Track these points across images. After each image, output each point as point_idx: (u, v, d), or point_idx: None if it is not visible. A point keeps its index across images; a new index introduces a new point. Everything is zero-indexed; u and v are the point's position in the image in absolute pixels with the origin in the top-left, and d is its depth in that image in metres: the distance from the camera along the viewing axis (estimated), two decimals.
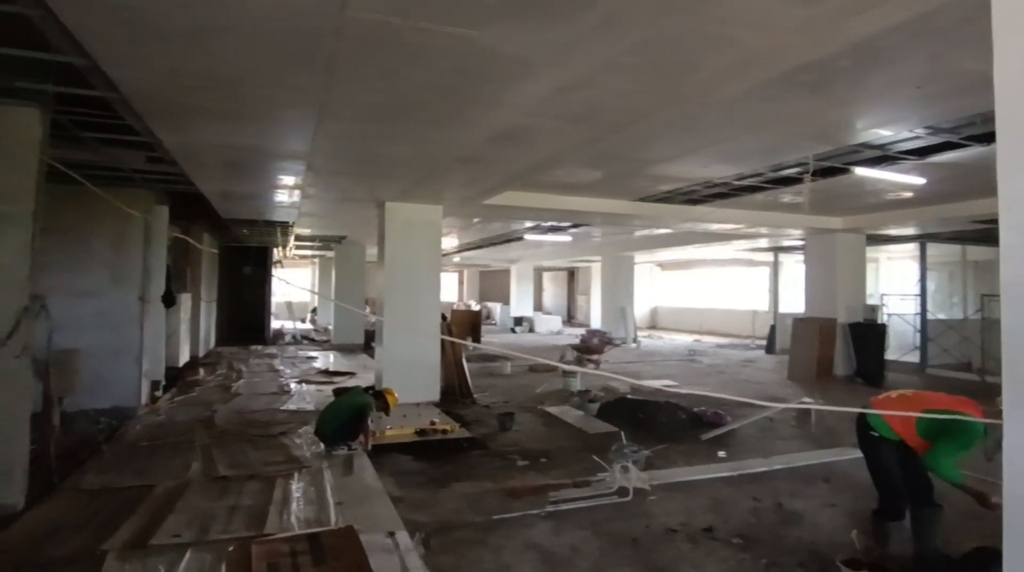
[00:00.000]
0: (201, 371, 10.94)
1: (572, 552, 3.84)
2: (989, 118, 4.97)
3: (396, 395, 6.34)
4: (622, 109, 4.40)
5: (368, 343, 15.13)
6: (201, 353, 13.00)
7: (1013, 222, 1.61)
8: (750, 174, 7.63)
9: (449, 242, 17.41)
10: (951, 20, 3.15)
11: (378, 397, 6.21)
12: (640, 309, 23.45)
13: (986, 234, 10.91)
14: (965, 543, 3.65)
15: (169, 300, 8.99)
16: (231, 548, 3.64)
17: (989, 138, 5.55)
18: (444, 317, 10.15)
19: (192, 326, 12.01)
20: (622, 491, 4.78)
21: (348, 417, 5.83)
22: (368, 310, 16.51)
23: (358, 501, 4.58)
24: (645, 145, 6.17)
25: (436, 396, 8.60)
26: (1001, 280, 1.63)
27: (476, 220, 12.65)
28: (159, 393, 8.59)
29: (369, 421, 5.93)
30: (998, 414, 3.20)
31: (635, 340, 18.66)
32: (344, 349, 15.22)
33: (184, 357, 11.22)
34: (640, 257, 21.00)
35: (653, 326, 25.22)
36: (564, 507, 4.54)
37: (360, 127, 5.10)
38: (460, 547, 3.89)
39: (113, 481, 4.90)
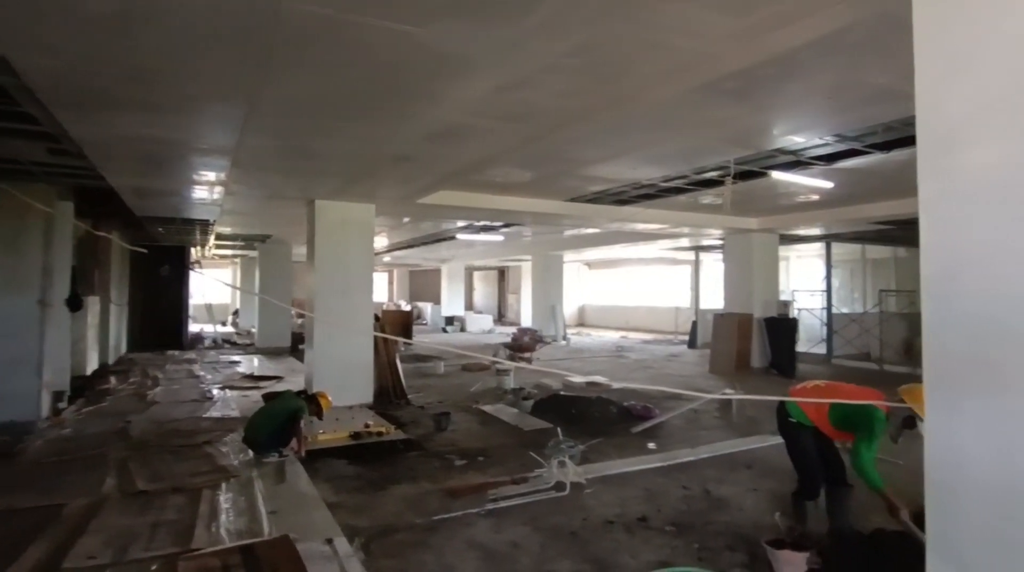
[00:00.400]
0: (112, 379, 10.21)
1: (513, 548, 3.88)
2: (889, 127, 5.44)
3: (329, 398, 6.17)
4: (559, 110, 4.48)
5: (296, 346, 14.61)
6: (111, 360, 12.15)
7: (932, 222, 1.77)
8: (675, 176, 7.93)
9: (379, 241, 17.09)
10: (860, 37, 3.41)
11: (310, 401, 6.02)
12: (569, 307, 23.88)
13: (883, 234, 11.86)
14: (872, 518, 3.98)
15: (74, 304, 8.34)
16: (155, 567, 3.44)
17: (888, 146, 6.05)
18: (377, 317, 9.97)
19: (101, 331, 11.20)
20: (559, 486, 4.87)
21: (280, 422, 5.63)
22: (294, 312, 15.91)
23: (293, 509, 4.43)
24: (578, 146, 6.29)
25: (369, 398, 8.44)
26: (922, 275, 1.78)
27: (406, 219, 12.48)
28: (63, 404, 7.94)
29: (302, 424, 5.74)
30: (899, 401, 3.52)
31: (565, 337, 19.00)
32: (269, 352, 14.63)
33: (92, 365, 10.45)
34: (569, 256, 21.40)
35: (582, 324, 25.76)
36: (504, 504, 4.57)
37: (294, 122, 4.93)
38: (402, 550, 3.84)
39: (11, 502, 4.50)
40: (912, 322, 12.09)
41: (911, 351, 11.78)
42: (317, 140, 5.48)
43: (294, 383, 9.30)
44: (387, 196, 8.28)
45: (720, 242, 14.02)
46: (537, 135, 5.16)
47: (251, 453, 5.62)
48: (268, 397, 6.85)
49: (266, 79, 3.87)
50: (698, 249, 17.27)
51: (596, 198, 9.59)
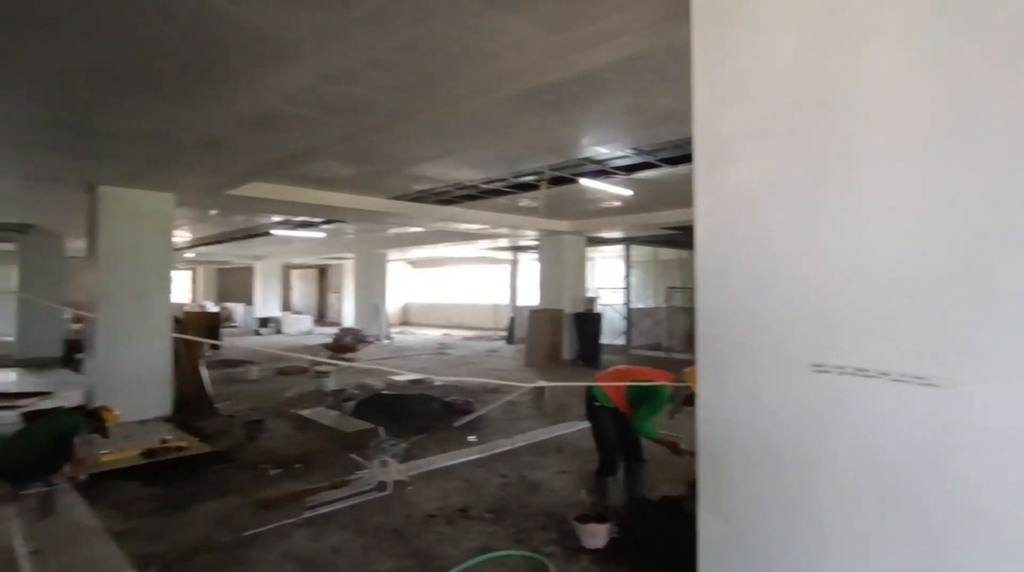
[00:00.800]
0: None
1: (334, 554, 3.77)
2: (676, 145, 6.25)
3: (115, 412, 5.40)
4: (385, 106, 4.43)
5: (71, 355, 12.47)
6: None
7: (705, 227, 2.11)
8: (496, 179, 8.28)
9: (181, 235, 15.35)
10: (652, 64, 3.90)
11: (91, 417, 5.21)
12: (393, 306, 23.60)
13: (671, 239, 13.54)
14: (661, 487, 4.56)
15: None
16: None
17: (676, 161, 6.94)
18: (177, 320, 8.94)
19: None
20: (382, 485, 4.84)
21: (46, 445, 4.77)
22: (69, 314, 13.57)
23: (64, 546, 3.82)
24: (404, 144, 6.28)
25: (168, 410, 7.56)
26: (696, 270, 2.12)
27: (213, 212, 11.37)
28: None
29: (78, 445, 4.94)
30: (682, 382, 4.10)
31: (388, 337, 18.75)
32: (33, 364, 12.29)
33: None
34: (393, 254, 21.13)
35: (405, 322, 25.60)
36: (323, 510, 4.42)
37: (72, 93, 4.22)
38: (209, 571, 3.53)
39: None
40: (694, 315, 13.95)
41: (692, 340, 13.60)
42: (104, 116, 4.76)
43: (69, 398, 7.98)
44: (191, 185, 7.46)
45: (536, 243, 14.88)
46: (362, 130, 5.04)
47: (6, 485, 4.71)
48: (30, 416, 5.80)
49: (25, 37, 3.29)
50: (516, 249, 18.12)
51: (420, 197, 9.63)
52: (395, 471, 5.00)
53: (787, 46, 1.92)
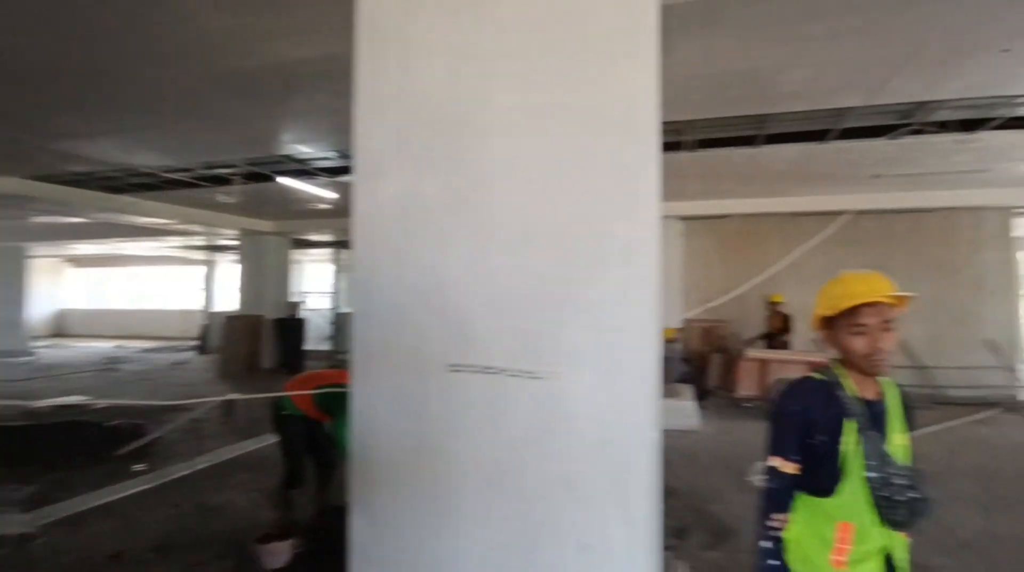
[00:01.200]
0: None
1: None
2: None
3: None
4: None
5: None
6: None
7: (361, 234, 2.19)
8: (180, 168, 7.30)
9: None
10: (348, 68, 3.87)
11: None
12: (40, 313, 19.00)
13: None
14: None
15: None
16: None
17: None
18: None
19: None
20: None
21: None
22: None
23: None
24: (48, 113, 5.07)
25: None
26: (353, 278, 2.16)
27: None
28: None
29: None
30: None
31: (30, 352, 15.03)
32: None
33: None
34: (41, 249, 17.01)
35: (60, 333, 20.82)
36: None
37: None
38: None
39: None
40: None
41: None
42: None
43: None
44: None
45: (236, 242, 13.61)
46: None
47: None
48: None
49: None
50: (213, 249, 16.28)
51: (79, 180, 7.98)
52: (15, 523, 3.98)
53: (433, 72, 2.12)
